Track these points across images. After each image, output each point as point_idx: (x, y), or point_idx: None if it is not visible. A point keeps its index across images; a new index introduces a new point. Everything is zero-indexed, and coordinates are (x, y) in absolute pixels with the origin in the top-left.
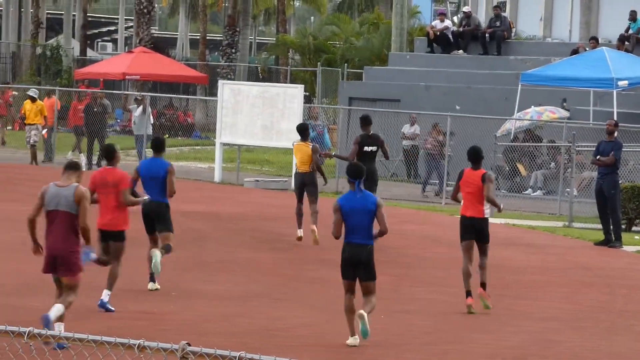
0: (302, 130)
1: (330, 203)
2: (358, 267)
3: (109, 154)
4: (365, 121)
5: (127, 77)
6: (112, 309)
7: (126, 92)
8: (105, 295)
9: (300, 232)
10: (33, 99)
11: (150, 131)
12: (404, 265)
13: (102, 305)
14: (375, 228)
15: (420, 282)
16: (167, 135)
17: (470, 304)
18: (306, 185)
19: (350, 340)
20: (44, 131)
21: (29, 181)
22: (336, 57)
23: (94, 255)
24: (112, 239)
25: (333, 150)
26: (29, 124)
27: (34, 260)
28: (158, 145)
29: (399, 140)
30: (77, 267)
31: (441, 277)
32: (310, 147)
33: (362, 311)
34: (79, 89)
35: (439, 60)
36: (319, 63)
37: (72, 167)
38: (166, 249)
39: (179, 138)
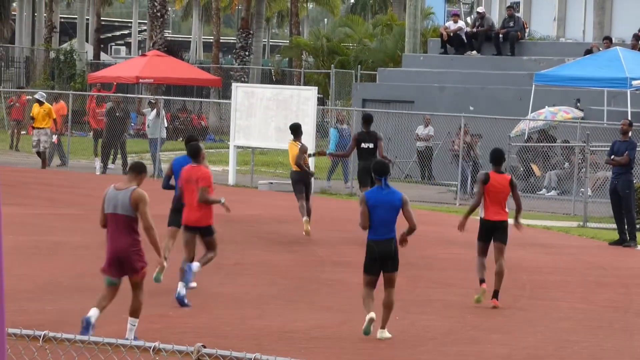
0: (295, 129)
1: (341, 204)
2: (386, 261)
3: (195, 152)
4: (366, 119)
5: (140, 80)
6: (194, 285)
7: (140, 96)
8: (196, 267)
9: (306, 218)
10: (40, 102)
11: (164, 134)
12: (419, 266)
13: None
14: (403, 227)
15: (435, 283)
16: (181, 139)
17: (485, 288)
18: (305, 183)
19: (368, 316)
20: (55, 137)
21: (41, 185)
22: (350, 58)
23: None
24: (203, 235)
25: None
26: (38, 128)
27: (46, 264)
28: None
29: (412, 141)
30: (141, 264)
31: (457, 278)
32: (299, 147)
33: (385, 335)
34: (93, 93)
35: (453, 61)
36: (332, 65)
37: (136, 169)
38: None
39: None
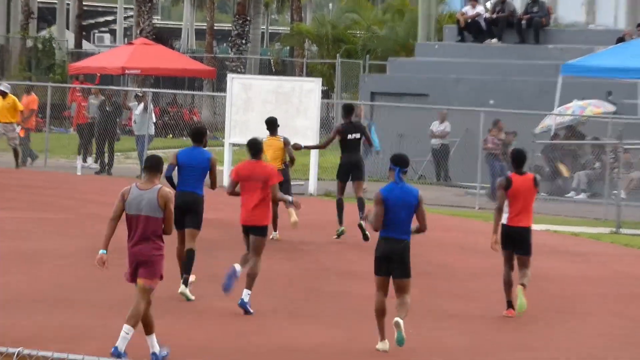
0: (271, 123)
1: (346, 208)
2: (392, 262)
3: (256, 148)
4: (347, 109)
5: (126, 71)
6: (252, 311)
7: (125, 88)
8: (246, 295)
9: (276, 235)
10: (4, 94)
11: (152, 131)
12: (434, 276)
13: (243, 305)
14: (414, 223)
15: (452, 294)
16: (170, 136)
17: (511, 316)
18: (281, 183)
19: (380, 345)
20: (19, 128)
21: (19, 187)
22: (357, 47)
23: (239, 271)
24: (254, 233)
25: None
26: (4, 123)
27: (23, 273)
28: (198, 135)
29: (427, 138)
30: (157, 272)
31: (476, 289)
32: (282, 140)
33: (398, 318)
34: (74, 85)
35: (471, 50)
36: (338, 54)
37: (154, 167)
38: (188, 271)
39: (184, 138)
